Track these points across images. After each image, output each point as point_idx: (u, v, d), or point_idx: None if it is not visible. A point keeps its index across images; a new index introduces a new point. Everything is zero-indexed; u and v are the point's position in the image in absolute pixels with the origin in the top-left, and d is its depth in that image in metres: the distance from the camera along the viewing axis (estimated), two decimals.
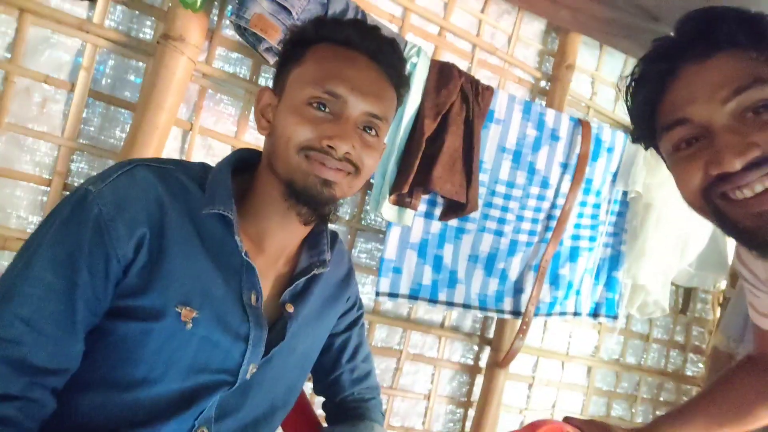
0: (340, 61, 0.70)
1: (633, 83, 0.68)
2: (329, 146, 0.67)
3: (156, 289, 0.62)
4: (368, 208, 1.64)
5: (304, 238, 0.79)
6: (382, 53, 0.72)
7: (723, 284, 2.27)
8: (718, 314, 2.37)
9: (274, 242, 0.74)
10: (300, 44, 0.72)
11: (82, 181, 0.76)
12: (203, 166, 0.73)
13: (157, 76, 1.34)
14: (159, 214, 0.64)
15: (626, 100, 0.70)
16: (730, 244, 2.20)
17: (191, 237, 0.66)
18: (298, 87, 0.69)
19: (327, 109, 0.68)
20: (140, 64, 1.40)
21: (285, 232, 0.74)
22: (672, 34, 0.66)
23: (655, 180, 1.82)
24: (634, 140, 0.74)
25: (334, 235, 0.89)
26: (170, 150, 1.47)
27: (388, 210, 1.49)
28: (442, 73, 1.50)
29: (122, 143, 1.37)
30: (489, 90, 1.60)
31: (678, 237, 1.84)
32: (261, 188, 0.72)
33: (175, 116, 1.41)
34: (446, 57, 1.72)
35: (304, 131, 0.67)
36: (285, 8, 1.30)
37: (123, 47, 1.36)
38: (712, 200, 0.60)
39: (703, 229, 1.90)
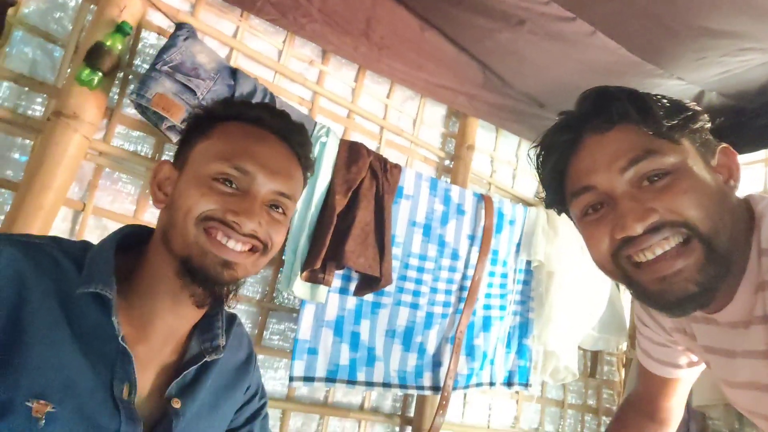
0: (250, 138, 0.69)
1: (542, 152, 0.72)
2: (234, 221, 0.64)
3: (3, 382, 0.54)
4: (280, 286, 1.58)
5: (197, 322, 0.73)
6: (292, 134, 0.73)
7: (624, 346, 2.41)
8: (623, 375, 2.49)
9: (162, 327, 0.67)
10: (207, 120, 0.71)
11: None
12: (84, 244, 0.67)
13: (45, 154, 1.26)
14: (16, 297, 0.57)
15: (537, 168, 0.74)
16: (627, 306, 2.37)
17: (57, 322, 0.58)
18: (203, 161, 0.67)
19: (234, 185, 0.66)
20: (27, 141, 1.31)
21: (175, 316, 0.67)
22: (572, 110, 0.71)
23: (554, 248, 1.95)
24: (547, 206, 0.78)
25: (232, 318, 0.82)
26: (59, 231, 1.35)
27: (300, 287, 1.44)
28: (351, 151, 1.54)
29: None
30: (397, 167, 1.67)
31: (580, 302, 1.95)
32: (151, 266, 0.66)
33: (65, 196, 1.31)
34: (355, 137, 1.78)
35: (206, 202, 0.64)
36: (189, 89, 1.30)
37: (8, 124, 1.27)
38: (621, 264, 0.64)
39: (602, 293, 2.04)
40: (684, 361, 0.93)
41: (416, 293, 1.70)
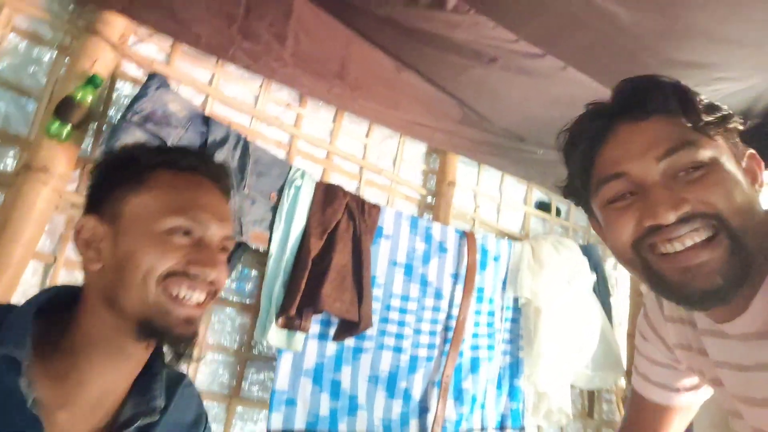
0: (192, 187, 0.69)
1: (572, 138, 0.71)
2: (197, 273, 0.63)
3: None
4: (256, 335, 1.54)
5: (134, 381, 0.69)
6: (222, 177, 0.73)
7: (622, 382, 2.33)
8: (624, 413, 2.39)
9: (93, 390, 0.63)
10: (134, 169, 0.69)
11: None
12: (7, 308, 0.64)
13: (14, 208, 1.24)
14: None
15: (563, 154, 0.73)
16: (622, 342, 2.31)
17: None
18: (151, 216, 0.65)
19: (189, 237, 0.65)
20: None
21: (111, 375, 0.64)
22: (607, 99, 0.69)
23: (541, 283, 1.91)
24: (566, 195, 0.76)
25: (179, 377, 0.77)
26: (28, 286, 1.33)
27: (276, 335, 1.40)
28: (327, 194, 1.53)
29: None
30: (376, 207, 1.65)
31: (570, 339, 1.90)
32: (83, 328, 0.63)
33: (34, 250, 1.29)
34: (335, 178, 1.78)
35: (168, 259, 0.62)
36: (160, 137, 1.30)
37: None
38: (641, 253, 0.62)
39: (593, 328, 1.98)
40: (685, 383, 0.88)
41: (399, 336, 1.65)
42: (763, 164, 0.66)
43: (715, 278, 0.58)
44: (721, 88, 1.62)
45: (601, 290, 2.19)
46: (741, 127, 0.65)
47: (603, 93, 1.84)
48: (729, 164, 0.61)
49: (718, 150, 0.61)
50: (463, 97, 1.89)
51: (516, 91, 1.76)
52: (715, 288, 0.58)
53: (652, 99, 0.64)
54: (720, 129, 0.62)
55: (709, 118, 0.62)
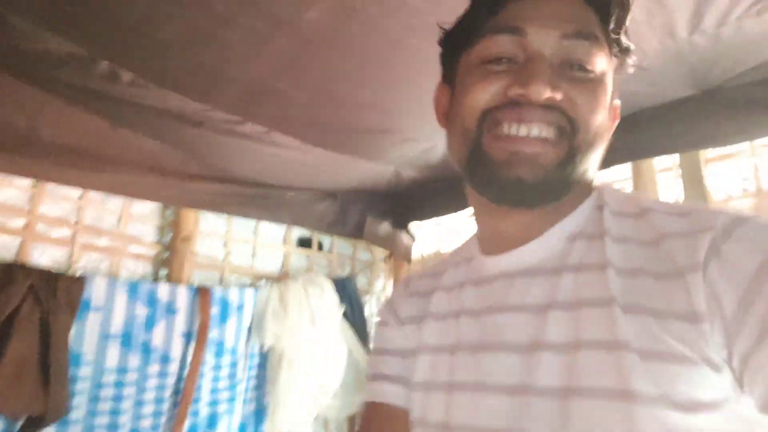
0: None
1: None
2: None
3: None
4: None
5: None
6: None
7: None
8: None
9: None
10: None
11: None
12: None
13: None
14: None
15: None
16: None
17: None
18: None
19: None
20: None
21: None
22: None
23: (285, 328, 1.99)
24: (442, 42, 0.66)
25: None
26: None
27: None
28: (1, 277, 1.40)
29: None
30: (78, 281, 1.56)
31: (313, 377, 2.01)
32: None
33: None
34: (39, 249, 1.64)
35: None
36: None
37: None
38: (481, 126, 0.56)
39: (338, 363, 2.13)
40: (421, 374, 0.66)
41: (115, 412, 1.58)
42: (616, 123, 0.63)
43: (539, 172, 0.53)
44: (412, 146, 1.84)
45: (356, 317, 2.36)
46: (630, 71, 0.61)
47: (320, 153, 1.89)
48: (608, 89, 0.57)
49: (609, 69, 0.57)
50: (194, 152, 1.87)
51: (234, 152, 1.80)
52: (536, 182, 0.53)
53: None
54: (621, 56, 0.59)
55: (623, 41, 0.58)
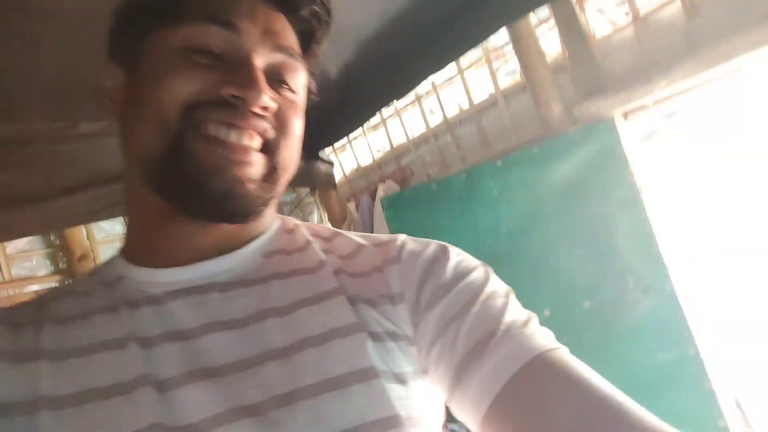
0: None
1: None
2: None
3: None
4: None
5: None
6: None
7: None
8: None
9: None
10: None
11: None
12: None
13: None
14: None
15: None
16: None
17: None
18: None
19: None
20: None
21: None
22: None
23: None
24: (118, 14, 0.54)
25: None
26: None
27: None
28: None
29: None
30: None
31: None
32: None
33: None
34: None
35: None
36: None
37: None
38: (184, 122, 0.48)
39: None
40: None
41: None
42: None
43: (250, 185, 0.49)
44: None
45: None
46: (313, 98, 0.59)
47: None
48: (302, 112, 0.56)
49: (303, 93, 0.56)
50: (48, 170, 1.65)
51: (83, 151, 1.58)
52: (245, 195, 0.49)
53: (305, 5, 0.55)
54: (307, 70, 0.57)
55: (314, 63, 0.58)
